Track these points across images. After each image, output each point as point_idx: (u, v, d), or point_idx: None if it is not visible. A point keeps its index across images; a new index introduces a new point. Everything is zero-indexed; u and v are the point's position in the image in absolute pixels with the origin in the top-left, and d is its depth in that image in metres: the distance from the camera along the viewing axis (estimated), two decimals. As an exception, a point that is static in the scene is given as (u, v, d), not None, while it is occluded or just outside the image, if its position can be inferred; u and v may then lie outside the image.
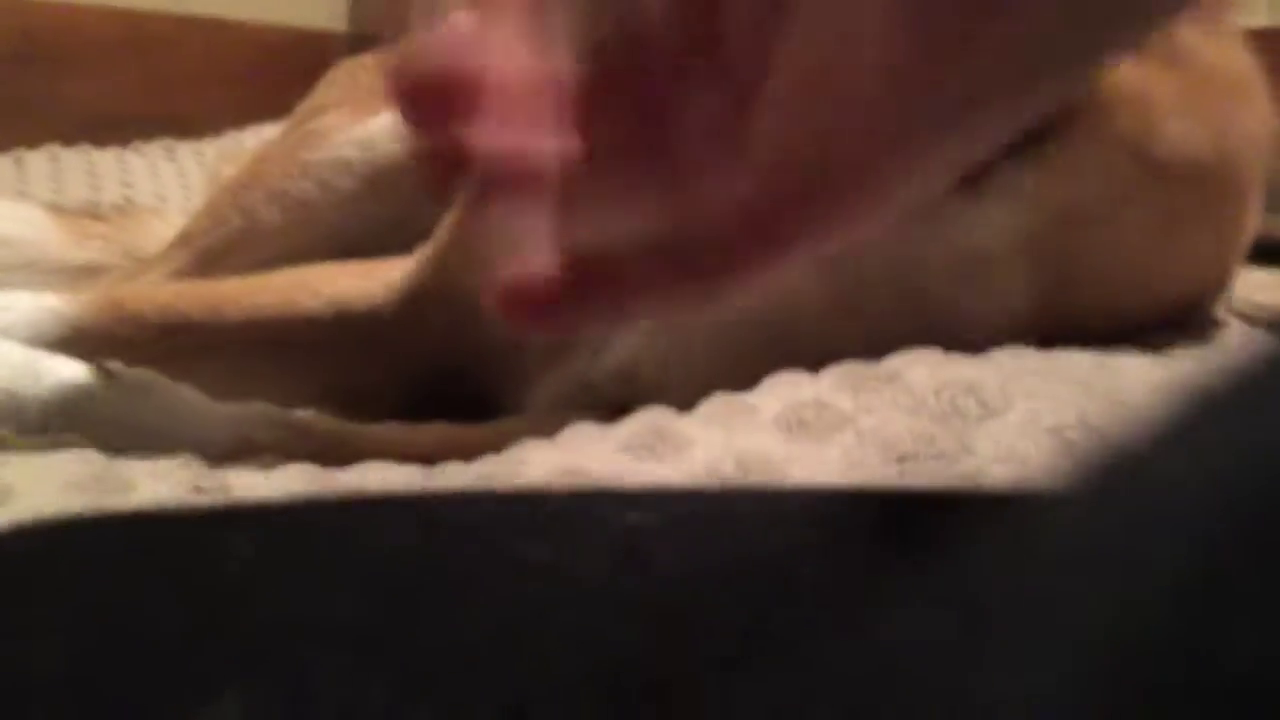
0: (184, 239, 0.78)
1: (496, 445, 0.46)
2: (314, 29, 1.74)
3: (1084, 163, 0.51)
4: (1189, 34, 0.54)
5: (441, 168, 0.27)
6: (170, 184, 1.18)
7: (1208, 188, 0.55)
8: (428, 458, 0.46)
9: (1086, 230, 0.53)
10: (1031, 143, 0.50)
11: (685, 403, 0.47)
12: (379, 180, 0.77)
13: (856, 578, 0.23)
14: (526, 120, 0.26)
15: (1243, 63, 0.57)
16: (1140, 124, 0.52)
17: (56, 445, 0.42)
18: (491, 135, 0.26)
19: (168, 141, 1.29)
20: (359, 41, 1.82)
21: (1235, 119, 0.55)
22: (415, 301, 0.63)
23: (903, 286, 0.52)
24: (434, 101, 0.26)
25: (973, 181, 0.50)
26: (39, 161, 1.15)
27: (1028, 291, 0.52)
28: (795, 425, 0.43)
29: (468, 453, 0.46)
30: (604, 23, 0.27)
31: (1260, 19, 1.48)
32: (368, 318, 0.62)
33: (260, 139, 1.40)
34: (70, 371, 0.49)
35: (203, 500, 0.36)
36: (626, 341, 0.58)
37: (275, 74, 1.64)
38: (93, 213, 0.96)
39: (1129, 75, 0.51)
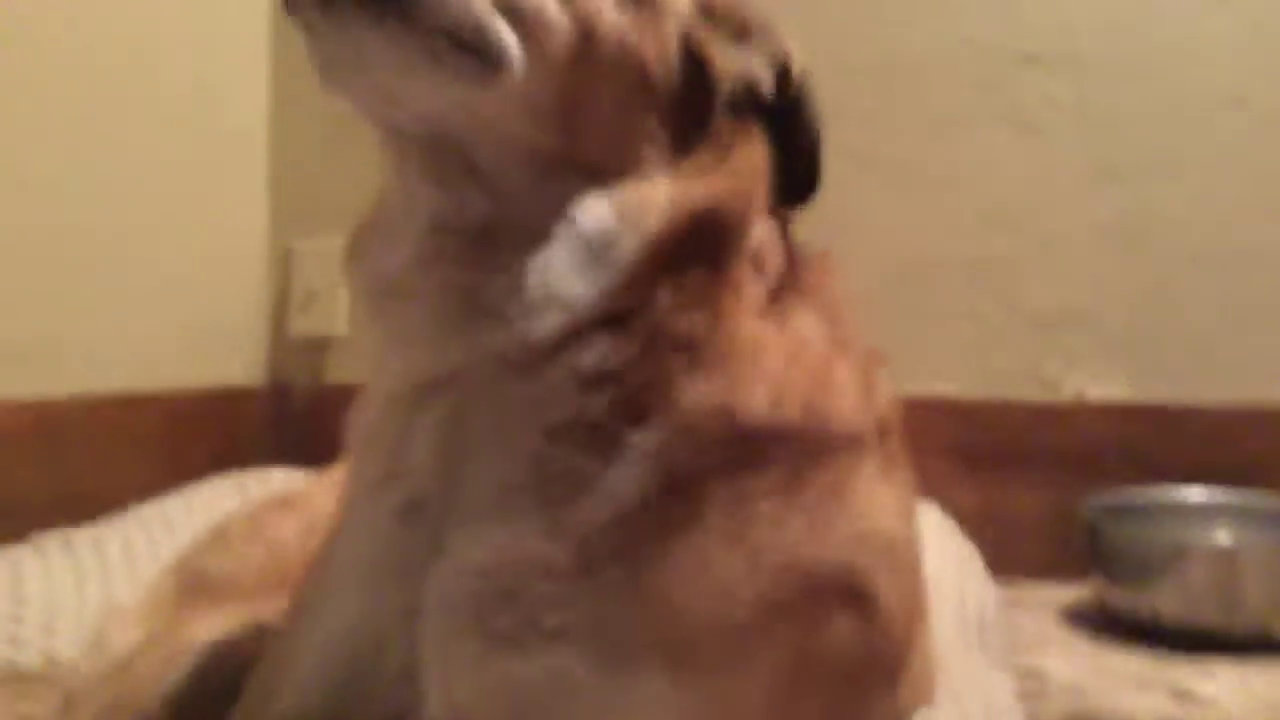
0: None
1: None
2: (230, 386, 1.79)
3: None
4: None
5: None
6: (64, 588, 1.17)
7: None
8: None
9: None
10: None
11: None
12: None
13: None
14: None
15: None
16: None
17: None
18: None
19: (66, 532, 1.28)
20: (280, 395, 1.87)
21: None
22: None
23: None
24: None
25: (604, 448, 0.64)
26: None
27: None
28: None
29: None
30: None
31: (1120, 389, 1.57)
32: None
33: (163, 516, 1.41)
34: None
35: None
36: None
37: (186, 438, 1.67)
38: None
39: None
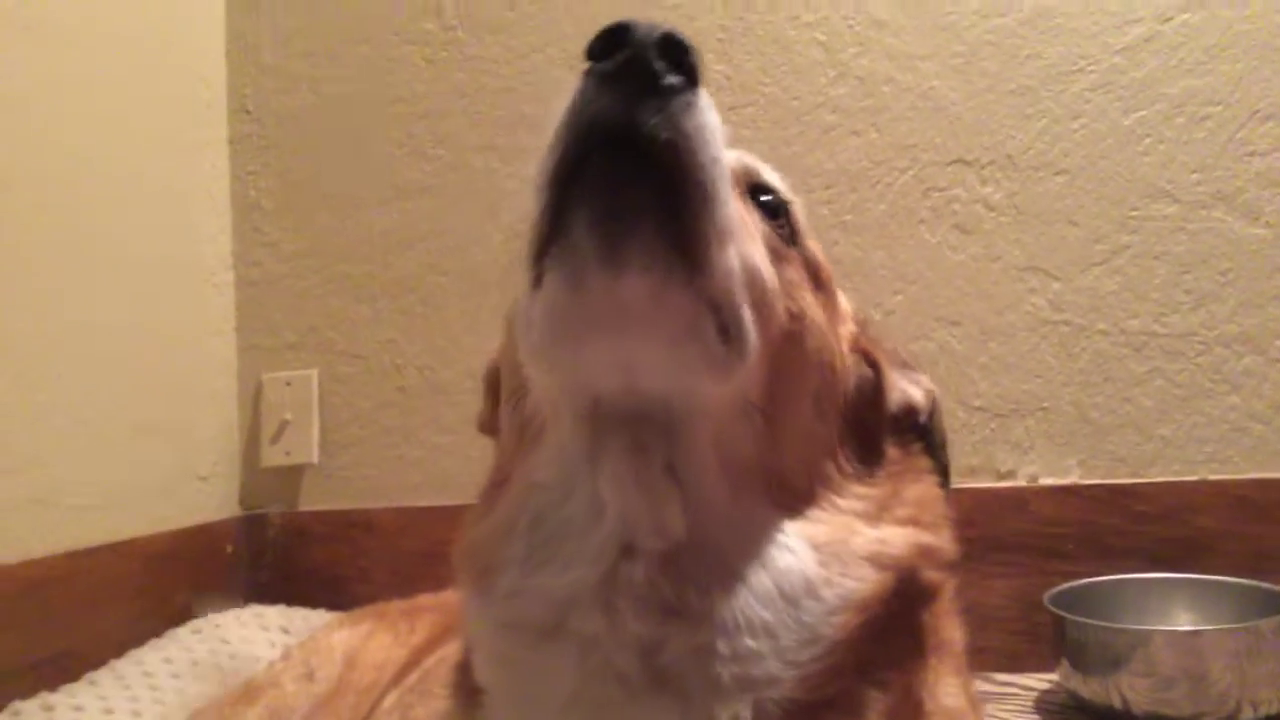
0: None
1: None
2: (205, 523, 1.80)
3: None
4: None
5: None
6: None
7: None
8: None
9: None
10: None
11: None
12: None
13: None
14: None
15: None
16: None
17: None
18: None
19: (45, 697, 1.28)
20: (254, 526, 1.88)
21: None
22: None
23: None
24: None
25: None
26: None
27: None
28: None
29: None
30: None
31: (1071, 474, 1.62)
32: None
33: (141, 670, 1.41)
34: None
35: None
36: None
37: (165, 579, 1.68)
38: None
39: None
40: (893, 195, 1.69)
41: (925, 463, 0.72)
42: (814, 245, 0.70)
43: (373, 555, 1.80)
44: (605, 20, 1.96)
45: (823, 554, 0.59)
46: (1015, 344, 1.63)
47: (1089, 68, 1.64)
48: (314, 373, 1.89)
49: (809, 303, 0.65)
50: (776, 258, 0.63)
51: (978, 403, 1.63)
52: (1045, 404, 1.61)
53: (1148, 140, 1.61)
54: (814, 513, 0.62)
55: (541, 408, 0.63)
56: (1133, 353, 1.60)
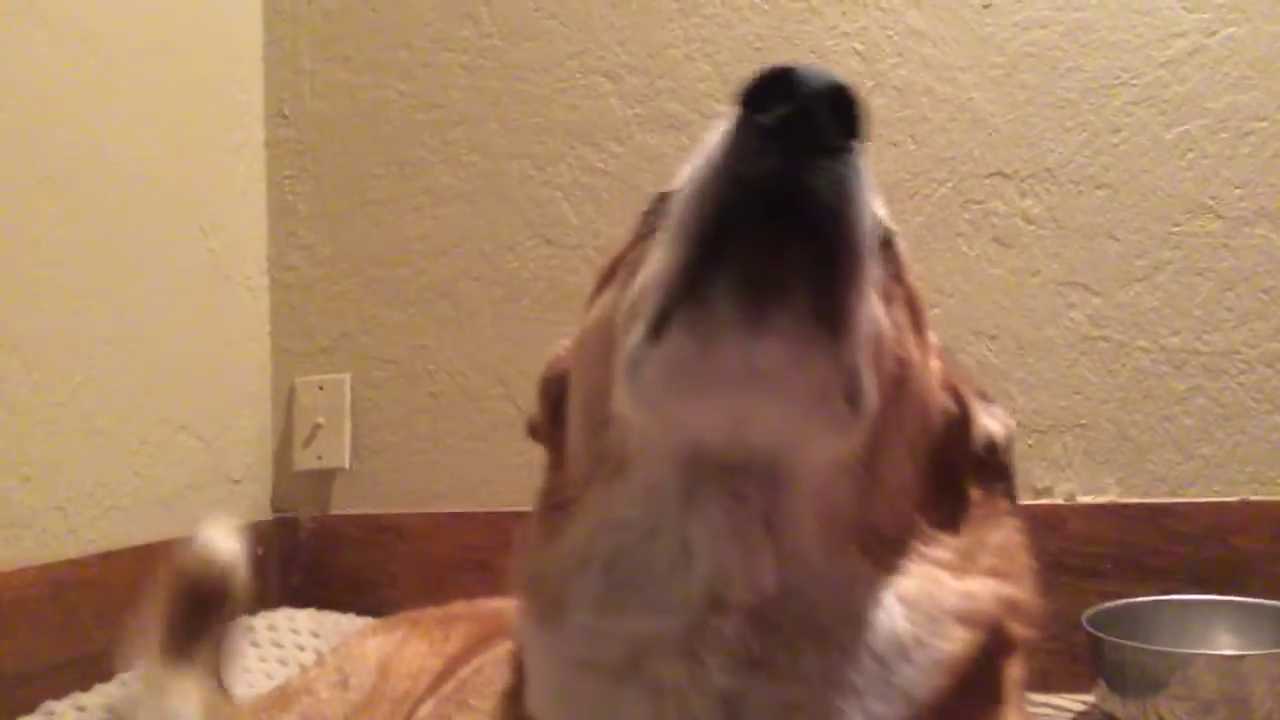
0: None
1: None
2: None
3: None
4: None
5: None
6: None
7: None
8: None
9: None
10: None
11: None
12: None
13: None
14: None
15: None
16: None
17: None
18: None
19: (77, 698, 1.29)
20: (286, 530, 1.89)
21: None
22: None
23: None
24: None
25: None
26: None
27: None
28: None
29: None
30: None
31: (1110, 493, 1.60)
32: None
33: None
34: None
35: None
36: None
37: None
38: None
39: None
40: (930, 207, 1.68)
41: (1005, 504, 0.70)
42: (913, 278, 0.67)
43: (402, 560, 1.80)
44: (640, 29, 1.94)
45: (911, 610, 0.58)
46: (1054, 359, 1.62)
47: (1131, 81, 1.63)
48: (347, 377, 1.89)
49: (913, 346, 0.62)
50: (885, 298, 0.60)
51: (1015, 418, 1.60)
52: (1084, 421, 1.60)
53: (1190, 155, 1.59)
54: (902, 564, 0.60)
55: (628, 442, 0.59)
56: (1173, 370, 1.58)
